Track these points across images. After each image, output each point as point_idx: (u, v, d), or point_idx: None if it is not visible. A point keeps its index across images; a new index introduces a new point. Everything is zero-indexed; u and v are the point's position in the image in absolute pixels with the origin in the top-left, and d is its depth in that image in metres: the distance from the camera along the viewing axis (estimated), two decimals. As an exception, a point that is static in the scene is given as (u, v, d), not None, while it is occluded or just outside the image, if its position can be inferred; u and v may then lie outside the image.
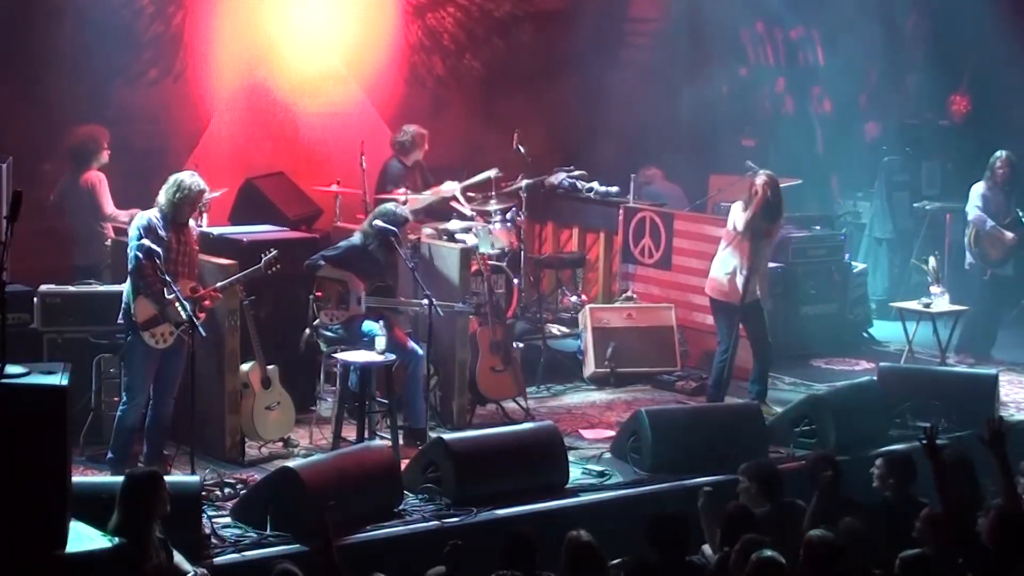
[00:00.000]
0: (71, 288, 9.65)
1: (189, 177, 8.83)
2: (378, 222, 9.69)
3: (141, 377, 8.76)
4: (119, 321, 8.84)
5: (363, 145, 11.62)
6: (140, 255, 8.63)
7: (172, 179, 8.83)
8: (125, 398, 8.81)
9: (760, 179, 10.31)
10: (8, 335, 6.57)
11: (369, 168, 11.69)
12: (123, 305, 8.76)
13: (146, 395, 8.83)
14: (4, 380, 6.48)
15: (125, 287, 8.79)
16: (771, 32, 15.34)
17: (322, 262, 9.60)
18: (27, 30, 11.11)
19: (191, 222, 8.96)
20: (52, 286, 9.63)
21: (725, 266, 10.38)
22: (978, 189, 12.17)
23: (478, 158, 12.78)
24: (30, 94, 11.13)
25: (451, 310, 9.73)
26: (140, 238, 8.66)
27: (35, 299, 9.44)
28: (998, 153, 12.14)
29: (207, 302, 8.85)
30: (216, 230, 10.48)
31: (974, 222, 12.15)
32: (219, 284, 8.94)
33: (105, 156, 10.52)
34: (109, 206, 10.47)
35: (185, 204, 8.77)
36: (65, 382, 6.62)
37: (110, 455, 8.81)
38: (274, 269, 9.13)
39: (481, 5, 13.74)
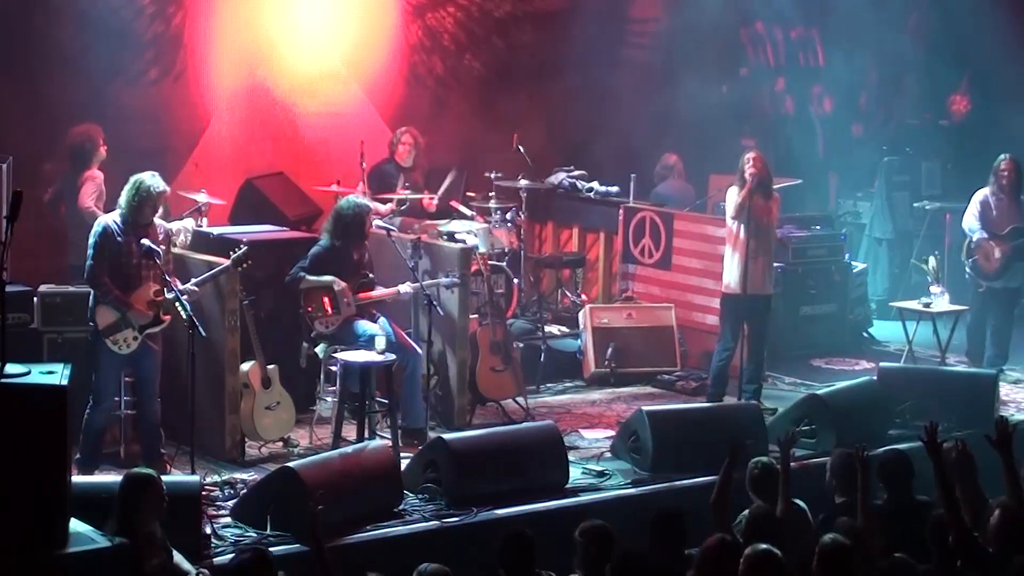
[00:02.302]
0: (71, 288, 9.63)
1: (149, 178, 8.73)
2: (381, 223, 9.72)
3: (106, 382, 8.74)
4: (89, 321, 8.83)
5: (363, 145, 11.63)
6: (93, 263, 8.62)
7: (132, 180, 8.78)
8: (91, 401, 8.76)
9: (750, 155, 10.36)
10: (8, 335, 6.57)
11: (369, 168, 11.69)
12: (88, 309, 8.75)
13: (111, 398, 8.80)
14: (4, 380, 6.48)
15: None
16: (771, 32, 15.34)
17: (301, 274, 9.57)
18: (27, 30, 11.11)
19: (156, 221, 8.84)
20: (52, 286, 9.63)
21: (733, 260, 10.39)
22: (978, 196, 11.66)
23: (478, 158, 12.79)
24: (30, 94, 11.12)
25: (438, 286, 9.71)
26: (96, 245, 8.62)
27: (35, 299, 9.44)
28: (1002, 156, 11.62)
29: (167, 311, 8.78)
30: (216, 230, 10.49)
31: (965, 230, 11.70)
32: (187, 285, 8.85)
33: (103, 152, 10.42)
34: (87, 200, 10.29)
35: (145, 206, 8.68)
36: (65, 382, 6.63)
37: (77, 455, 8.73)
38: (244, 266, 9.06)
39: (481, 5, 13.73)
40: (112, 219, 8.72)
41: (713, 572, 6.34)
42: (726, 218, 10.49)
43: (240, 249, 9.12)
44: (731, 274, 10.41)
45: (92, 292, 8.74)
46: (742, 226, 10.28)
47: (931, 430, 6.97)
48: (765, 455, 9.00)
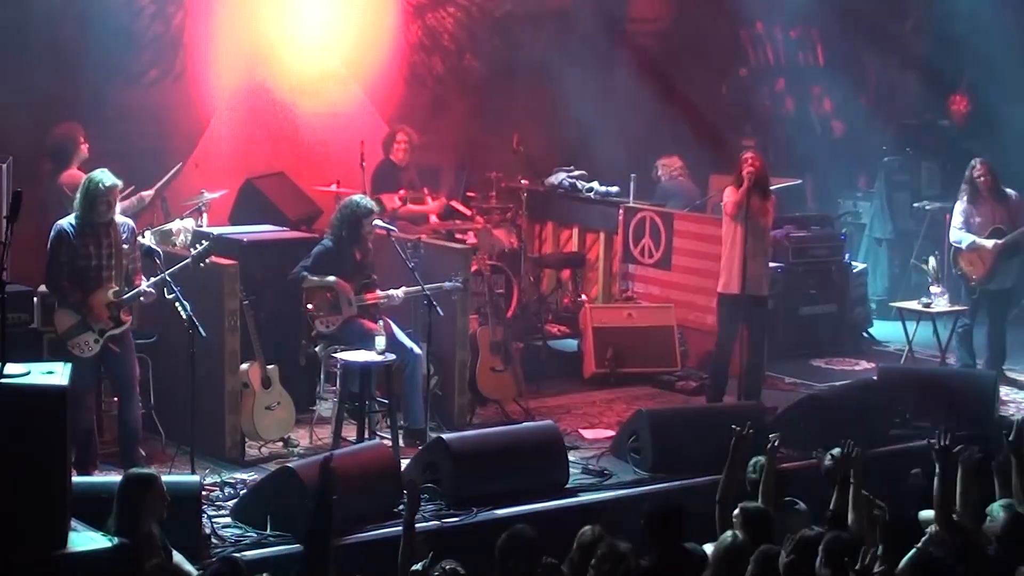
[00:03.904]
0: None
1: (98, 174, 8.65)
2: (381, 223, 9.71)
3: (78, 382, 8.60)
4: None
5: (363, 145, 11.63)
6: (50, 268, 8.58)
7: (83, 179, 8.73)
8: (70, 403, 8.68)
9: (747, 154, 10.43)
10: (8, 335, 6.58)
11: (369, 168, 11.70)
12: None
13: (87, 398, 8.72)
14: (4, 380, 6.48)
15: None
16: (771, 32, 15.35)
17: (304, 273, 9.56)
18: (27, 30, 11.10)
19: (117, 219, 8.72)
20: (52, 286, 9.62)
21: (730, 259, 10.39)
22: (958, 206, 11.68)
23: (478, 158, 12.80)
24: (30, 94, 11.11)
25: (440, 290, 9.68)
26: (53, 249, 8.57)
27: (35, 299, 9.43)
28: (973, 162, 11.61)
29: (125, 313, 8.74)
30: (216, 230, 10.48)
31: (953, 243, 11.67)
32: (146, 285, 8.72)
33: (84, 151, 10.31)
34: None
35: (98, 203, 8.55)
36: (65, 382, 6.62)
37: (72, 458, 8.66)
38: (205, 263, 8.94)
39: (481, 5, 13.73)
40: (68, 222, 8.63)
41: (730, 571, 6.35)
42: (723, 217, 10.50)
43: (202, 244, 8.99)
44: (729, 274, 10.41)
45: (51, 296, 8.72)
46: (739, 226, 10.28)
47: (942, 438, 7.01)
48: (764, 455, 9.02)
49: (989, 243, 11.50)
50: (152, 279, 8.73)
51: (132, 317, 8.83)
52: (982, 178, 11.53)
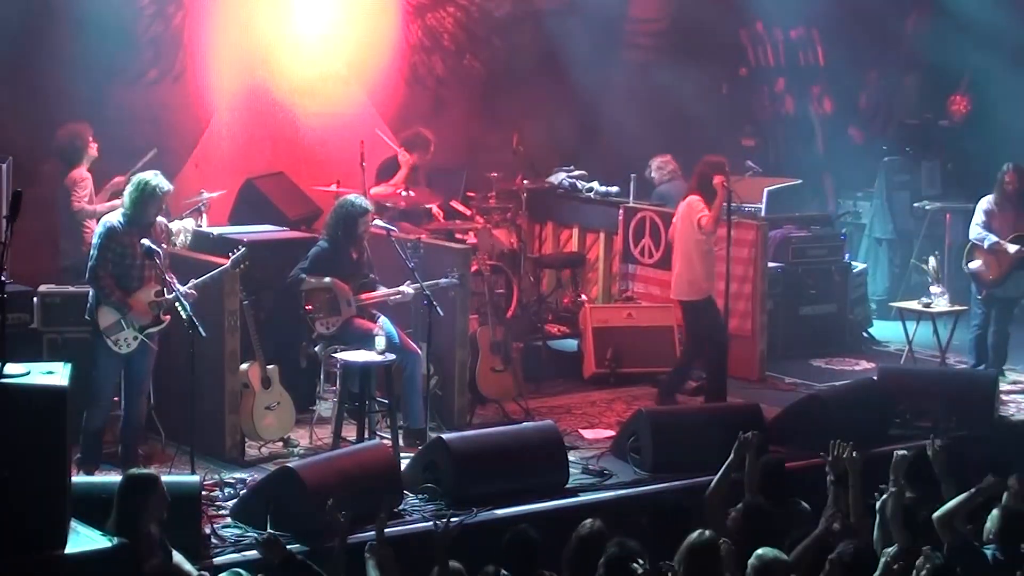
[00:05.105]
0: (71, 288, 9.63)
1: (153, 177, 8.73)
2: (381, 223, 9.70)
3: (105, 380, 8.74)
4: (87, 318, 8.82)
5: (363, 145, 11.62)
6: (96, 264, 8.63)
7: (135, 179, 8.79)
8: (90, 400, 8.72)
9: (722, 169, 10.53)
10: (8, 335, 6.57)
11: (369, 168, 11.69)
12: (88, 308, 8.76)
13: (110, 397, 8.83)
14: (4, 380, 6.48)
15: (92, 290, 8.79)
16: (771, 32, 15.36)
17: (303, 275, 9.55)
18: (27, 30, 11.09)
19: (159, 219, 8.85)
20: (52, 286, 9.63)
21: (699, 267, 10.52)
22: (982, 204, 11.52)
23: (478, 158, 12.79)
24: (30, 94, 11.11)
25: (437, 287, 9.66)
26: (101, 245, 8.63)
27: (35, 299, 9.44)
28: (1005, 167, 11.47)
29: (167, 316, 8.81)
30: (216, 230, 10.49)
31: (974, 240, 11.48)
32: (185, 287, 8.76)
33: (93, 150, 10.34)
34: (79, 202, 10.22)
35: (150, 205, 8.68)
36: (65, 382, 6.62)
37: (78, 455, 8.67)
38: (243, 267, 9.05)
39: (481, 5, 13.73)
40: (116, 219, 8.72)
41: (700, 569, 6.34)
42: (689, 230, 10.52)
43: (239, 250, 9.09)
44: (698, 282, 10.54)
45: (93, 291, 8.74)
46: (708, 238, 10.46)
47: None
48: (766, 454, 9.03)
49: (1013, 248, 11.32)
50: (192, 282, 8.78)
51: (169, 317, 8.84)
52: (1010, 185, 11.41)
